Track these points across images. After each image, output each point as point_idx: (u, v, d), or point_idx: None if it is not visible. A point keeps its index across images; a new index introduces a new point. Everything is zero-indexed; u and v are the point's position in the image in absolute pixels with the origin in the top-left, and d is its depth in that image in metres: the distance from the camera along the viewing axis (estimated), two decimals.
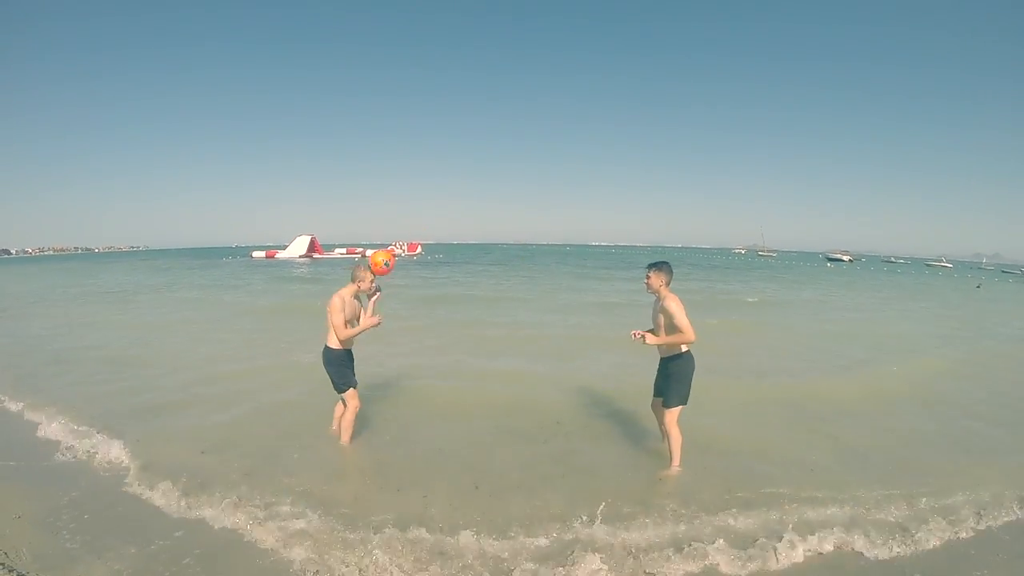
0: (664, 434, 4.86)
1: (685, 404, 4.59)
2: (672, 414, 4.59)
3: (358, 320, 5.01)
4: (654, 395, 4.88)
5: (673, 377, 4.57)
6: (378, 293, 5.10)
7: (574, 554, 3.42)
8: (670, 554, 3.46)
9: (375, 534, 3.59)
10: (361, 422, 5.31)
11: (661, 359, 4.73)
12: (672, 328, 4.43)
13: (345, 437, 5.07)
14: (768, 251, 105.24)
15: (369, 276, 4.93)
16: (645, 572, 3.33)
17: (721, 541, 3.57)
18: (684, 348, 4.54)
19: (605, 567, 3.34)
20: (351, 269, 4.99)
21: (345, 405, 5.05)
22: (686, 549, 3.50)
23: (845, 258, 74.31)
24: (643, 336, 4.58)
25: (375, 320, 4.98)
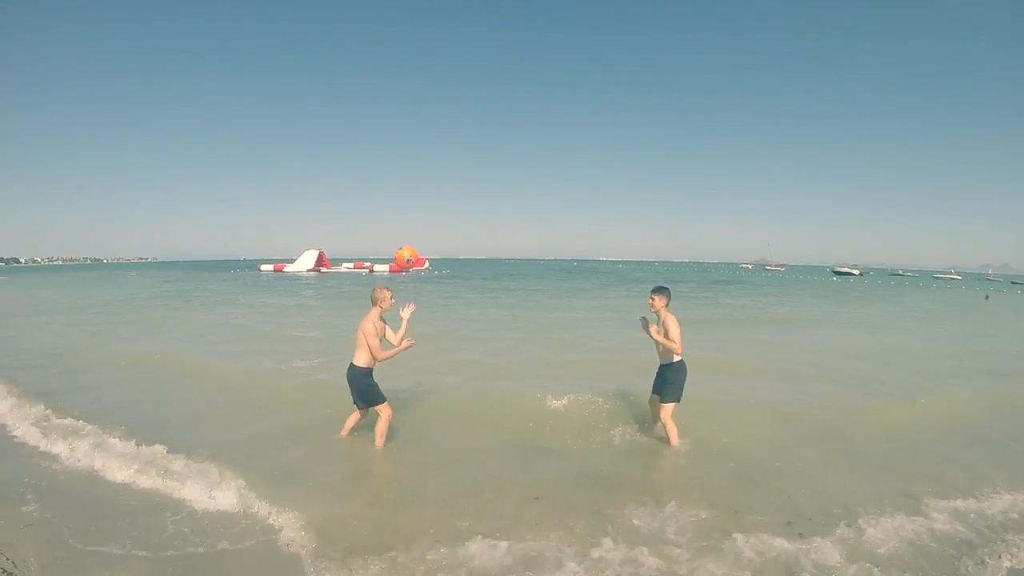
0: (660, 425, 5.60)
1: (678, 402, 5.44)
2: (667, 409, 5.44)
3: (384, 339, 5.31)
4: (652, 392, 5.70)
5: (669, 380, 5.43)
6: (412, 306, 5.47)
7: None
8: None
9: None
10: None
11: (661, 365, 5.57)
12: (669, 341, 5.33)
13: (380, 442, 5.36)
14: (776, 265, 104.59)
15: (388, 295, 5.26)
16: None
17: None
18: (678, 358, 5.41)
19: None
20: (372, 292, 5.31)
21: (375, 416, 5.40)
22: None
23: (855, 272, 73.00)
24: (648, 325, 5.52)
25: (408, 343, 5.33)
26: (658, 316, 5.44)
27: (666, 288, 5.55)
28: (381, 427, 5.37)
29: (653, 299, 5.46)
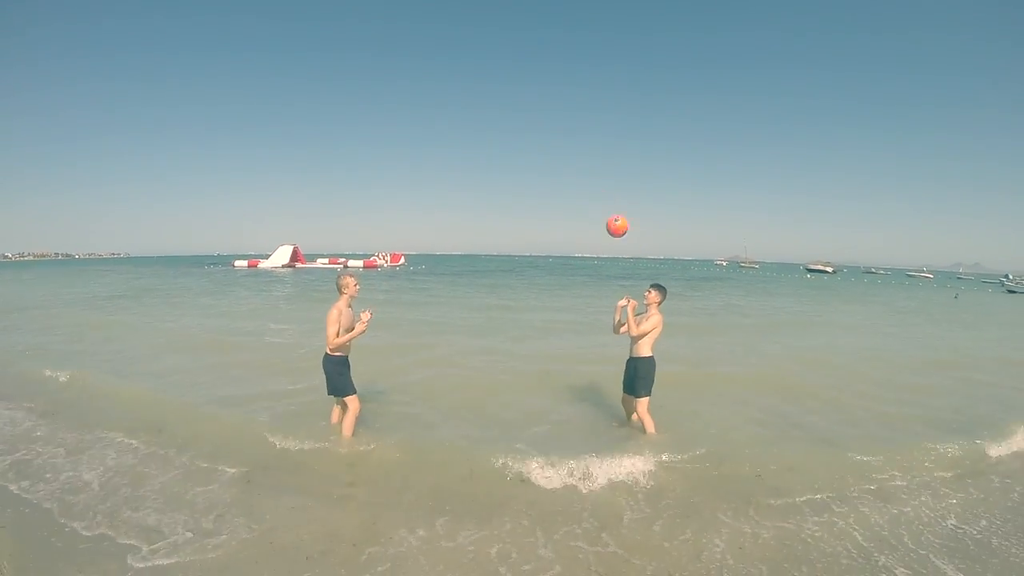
0: (635, 420, 5.76)
1: (650, 395, 5.57)
2: (642, 404, 5.59)
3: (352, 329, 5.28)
4: (624, 391, 5.84)
5: (640, 375, 5.55)
6: (369, 312, 5.28)
7: None
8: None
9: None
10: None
11: (631, 358, 5.67)
12: (636, 325, 5.46)
13: (347, 433, 5.39)
14: (750, 262, 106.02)
15: (353, 282, 5.33)
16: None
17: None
18: (649, 353, 5.53)
19: None
20: (336, 280, 5.35)
21: (346, 408, 5.42)
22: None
23: (828, 269, 73.51)
24: (628, 302, 5.54)
25: (362, 327, 5.23)
26: (647, 309, 5.61)
27: (664, 288, 5.70)
28: (348, 419, 5.42)
29: (649, 292, 5.63)
